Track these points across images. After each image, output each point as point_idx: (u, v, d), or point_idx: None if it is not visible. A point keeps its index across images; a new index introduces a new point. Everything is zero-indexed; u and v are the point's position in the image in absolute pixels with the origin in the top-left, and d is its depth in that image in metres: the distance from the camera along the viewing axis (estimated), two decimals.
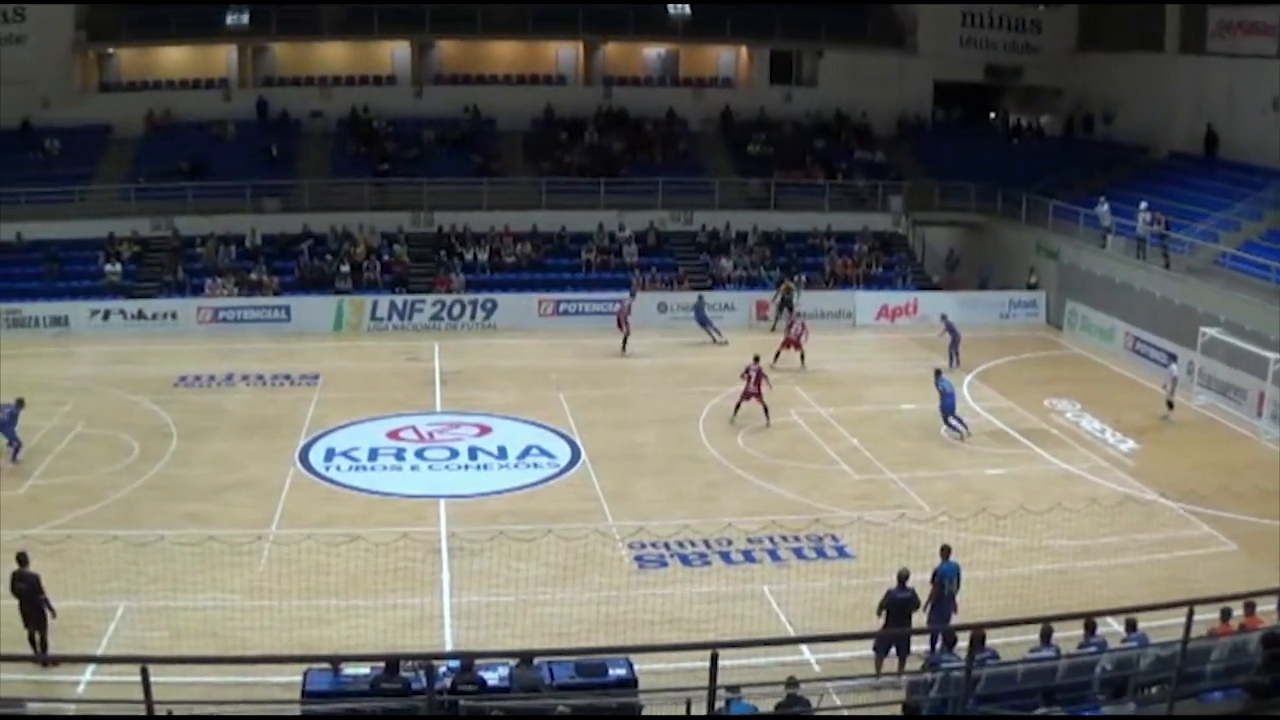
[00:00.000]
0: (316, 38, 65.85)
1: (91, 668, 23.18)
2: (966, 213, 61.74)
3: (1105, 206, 53.02)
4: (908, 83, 67.09)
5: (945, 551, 25.32)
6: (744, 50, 69.29)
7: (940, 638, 22.10)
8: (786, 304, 53.50)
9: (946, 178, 62.24)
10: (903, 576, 24.04)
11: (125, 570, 28.23)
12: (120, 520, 31.69)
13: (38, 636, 23.94)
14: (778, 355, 46.77)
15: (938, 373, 40.63)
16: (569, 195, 60.27)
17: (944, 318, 48.61)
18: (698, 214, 60.43)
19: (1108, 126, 63.74)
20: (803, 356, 47.33)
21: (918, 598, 24.08)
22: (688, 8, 65.49)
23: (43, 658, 23.39)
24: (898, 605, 23.81)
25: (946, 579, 24.74)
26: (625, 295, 52.05)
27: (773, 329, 52.31)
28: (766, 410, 40.14)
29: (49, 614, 24.17)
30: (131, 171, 60.05)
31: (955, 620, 24.38)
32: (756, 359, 40.70)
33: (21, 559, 24.57)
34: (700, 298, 52.99)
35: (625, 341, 49.64)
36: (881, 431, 39.93)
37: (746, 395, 40.18)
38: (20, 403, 37.12)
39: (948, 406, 39.50)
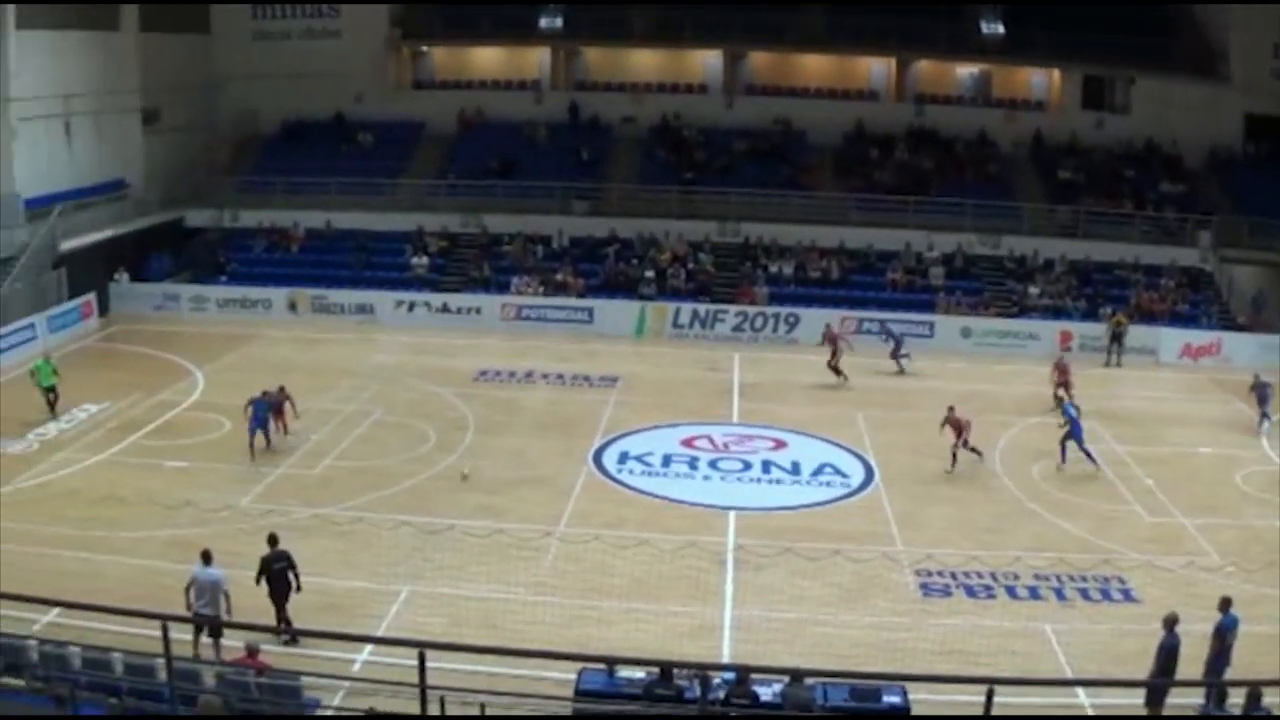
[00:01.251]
0: (628, 43, 66.66)
1: (369, 647, 23.52)
2: (1276, 252, 59.04)
3: None
4: (1219, 113, 63.99)
5: (1226, 604, 24.07)
6: (1056, 73, 67.53)
7: (1215, 691, 21.13)
8: (1117, 338, 51.88)
9: (1257, 214, 59.38)
10: (1171, 621, 22.98)
11: (412, 556, 28.92)
12: (411, 506, 32.39)
13: (284, 612, 24.61)
14: (1060, 400, 44.65)
15: (1059, 400, 39.44)
16: (878, 213, 59.53)
17: (1257, 377, 45.94)
18: (1006, 238, 58.98)
19: None
20: (1059, 398, 43.67)
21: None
22: (1000, 26, 64.24)
23: (291, 631, 24.08)
24: (1169, 653, 22.80)
25: (1227, 632, 23.64)
26: (833, 324, 50.15)
27: (1106, 364, 51.07)
28: (956, 457, 38.08)
29: (296, 589, 24.77)
30: (442, 168, 61.77)
31: (1228, 673, 23.18)
32: (951, 409, 38.65)
33: (273, 540, 25.17)
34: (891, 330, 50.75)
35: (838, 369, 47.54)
36: (1177, 474, 38.10)
37: (962, 443, 38.42)
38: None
39: (1076, 435, 37.79)
